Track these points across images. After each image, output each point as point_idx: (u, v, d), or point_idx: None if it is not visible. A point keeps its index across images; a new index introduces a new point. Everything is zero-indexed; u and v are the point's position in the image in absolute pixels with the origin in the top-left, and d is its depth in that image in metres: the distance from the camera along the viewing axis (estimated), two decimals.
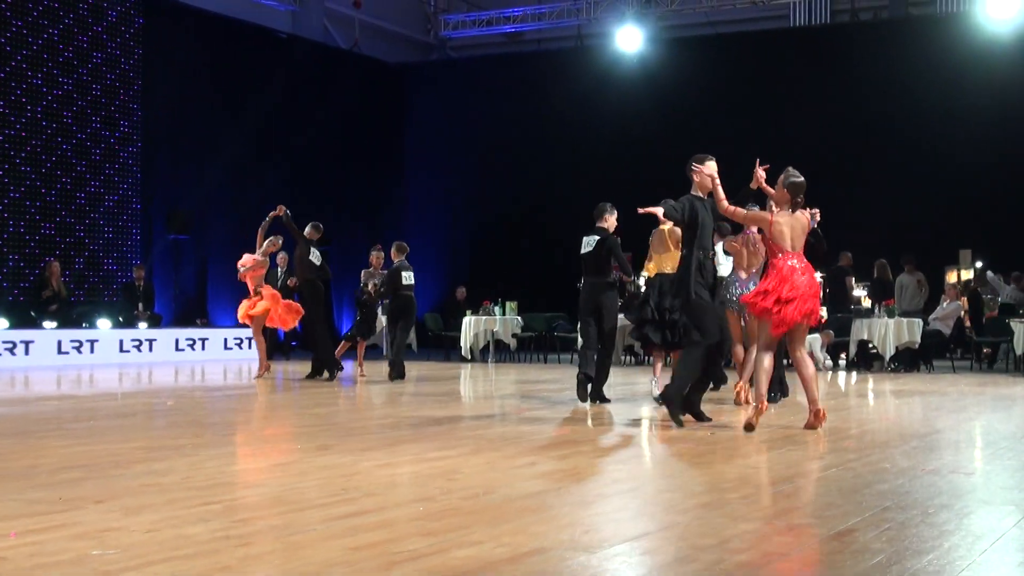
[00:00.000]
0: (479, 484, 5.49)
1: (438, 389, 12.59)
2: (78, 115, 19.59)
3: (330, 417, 9.36)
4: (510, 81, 24.87)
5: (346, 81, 24.46)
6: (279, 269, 19.31)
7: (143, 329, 18.85)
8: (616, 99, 23.03)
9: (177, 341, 19.20)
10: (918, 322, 16.01)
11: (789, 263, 7.91)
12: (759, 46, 22.82)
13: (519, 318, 19.38)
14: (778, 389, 10.36)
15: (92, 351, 17.89)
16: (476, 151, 25.22)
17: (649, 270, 10.69)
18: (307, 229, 14.12)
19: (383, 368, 14.25)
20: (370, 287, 14.21)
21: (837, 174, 20.13)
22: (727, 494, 5.24)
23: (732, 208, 8.29)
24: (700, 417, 8.57)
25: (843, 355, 17.18)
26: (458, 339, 19.26)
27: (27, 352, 17.14)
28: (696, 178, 8.69)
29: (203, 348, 19.47)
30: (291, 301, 14.60)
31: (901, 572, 3.74)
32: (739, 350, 10.40)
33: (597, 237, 10.45)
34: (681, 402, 8.42)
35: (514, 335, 19.15)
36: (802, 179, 8.15)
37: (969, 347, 17.64)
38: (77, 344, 17.79)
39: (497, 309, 19.16)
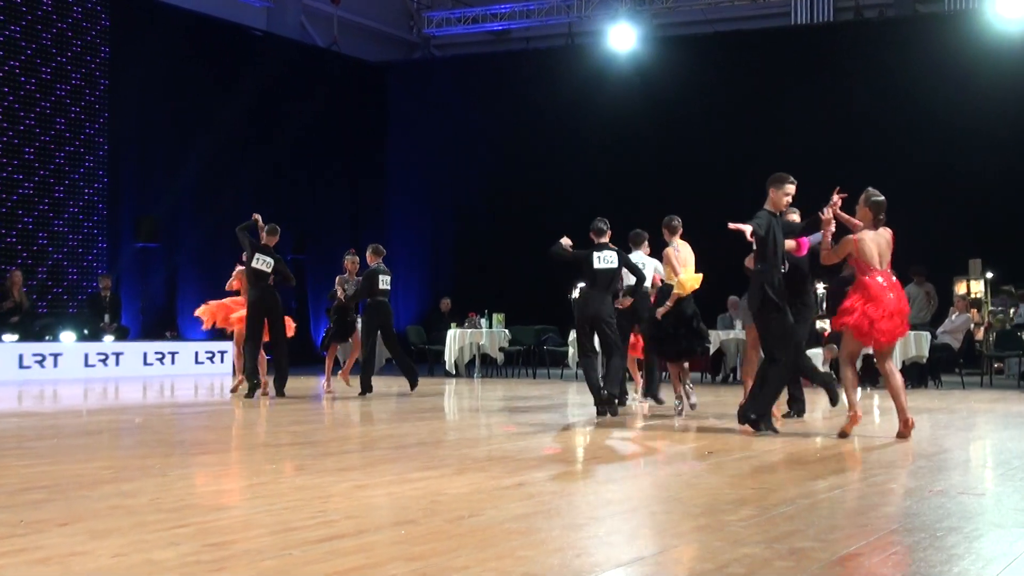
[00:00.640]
0: (464, 506, 5.48)
1: (421, 405, 12.57)
2: (41, 117, 19.55)
3: (307, 435, 9.33)
4: (497, 81, 24.91)
5: (325, 81, 24.47)
6: None
7: (109, 342, 18.80)
8: (609, 101, 23.07)
9: (145, 355, 19.14)
10: (926, 335, 16.04)
11: (878, 280, 8.63)
12: (759, 45, 22.91)
13: (507, 331, 19.37)
14: (795, 407, 10.55)
15: (55, 365, 17.82)
16: (461, 155, 25.24)
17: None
18: (263, 233, 13.82)
19: (388, 384, 14.19)
20: (339, 293, 14.19)
21: (839, 180, 20.11)
22: (726, 516, 5.24)
23: (833, 257, 8.98)
24: (765, 426, 9.10)
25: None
26: (442, 353, 19.25)
27: None
28: (772, 194, 9.17)
29: (173, 362, 19.42)
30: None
31: None
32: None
33: (615, 253, 11.03)
34: (769, 417, 9.03)
35: (501, 349, 19.14)
36: (883, 197, 8.87)
37: (979, 362, 17.69)
38: (40, 358, 17.72)
39: (483, 321, 19.16)
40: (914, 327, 16.52)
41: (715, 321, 17.62)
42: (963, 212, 19.99)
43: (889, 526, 5.02)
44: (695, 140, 22.38)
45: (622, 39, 22.91)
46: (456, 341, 18.99)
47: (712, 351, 17.17)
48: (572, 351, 17.74)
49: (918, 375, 16.27)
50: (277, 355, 13.61)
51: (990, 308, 18.77)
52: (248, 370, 13.43)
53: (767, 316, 8.87)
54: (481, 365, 19.71)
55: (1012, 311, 18.33)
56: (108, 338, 18.90)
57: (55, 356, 17.89)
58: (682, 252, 11.18)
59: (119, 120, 20.75)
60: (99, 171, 20.47)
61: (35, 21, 19.48)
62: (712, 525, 5.04)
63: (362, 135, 25.58)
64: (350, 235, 25.31)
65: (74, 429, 9.99)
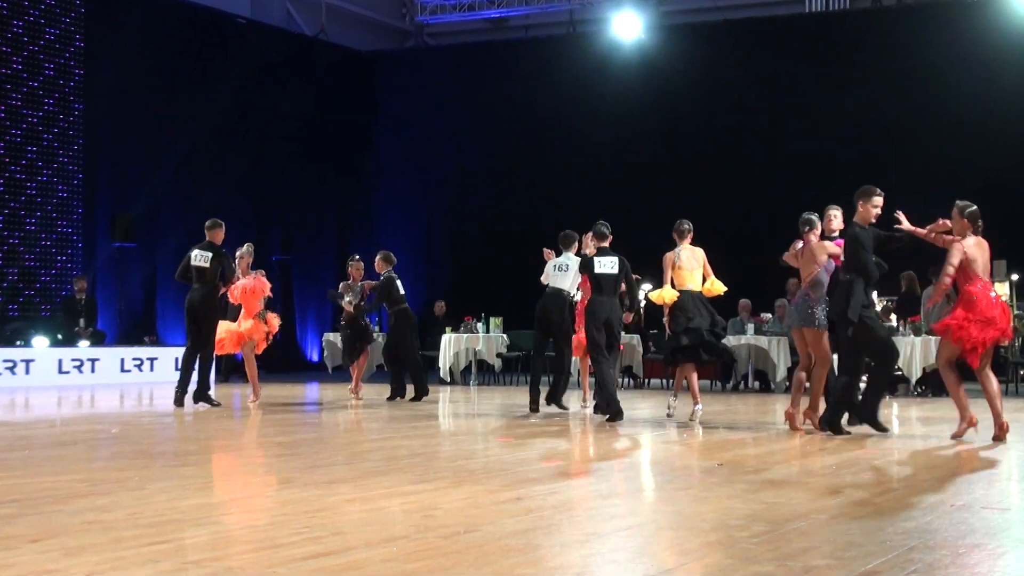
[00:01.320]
0: (459, 521, 5.48)
1: (414, 415, 12.56)
2: (11, 111, 19.56)
3: (294, 446, 9.33)
4: (494, 73, 24.92)
5: (311, 72, 24.48)
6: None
7: (85, 348, 18.79)
8: (612, 93, 23.08)
9: (123, 361, 19.14)
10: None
11: (980, 287, 9.31)
12: (771, 34, 22.92)
13: (504, 335, 19.35)
14: (855, 414, 10.66)
15: (27, 372, 17.82)
16: (456, 150, 25.24)
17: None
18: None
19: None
20: (345, 302, 14.23)
21: (855, 175, 20.07)
22: (737, 532, 5.24)
23: (949, 280, 9.51)
24: (878, 426, 9.82)
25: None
26: (436, 359, 19.23)
27: None
28: (861, 208, 9.75)
29: (152, 369, 19.41)
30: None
31: None
32: (802, 376, 10.67)
33: (615, 259, 11.49)
34: (837, 423, 9.80)
35: (499, 354, 19.13)
36: (976, 207, 9.59)
37: (1004, 368, 17.68)
38: (11, 364, 17.72)
39: (480, 325, 19.14)
40: (932, 332, 16.52)
41: (725, 326, 17.60)
42: (985, 209, 19.93)
43: (908, 542, 5.02)
44: (703, 135, 22.40)
45: (627, 28, 22.93)
46: (451, 346, 18.98)
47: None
48: (574, 357, 17.75)
49: (939, 383, 16.24)
50: (201, 359, 13.41)
51: (1016, 312, 18.76)
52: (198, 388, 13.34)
53: (858, 323, 9.56)
54: (477, 372, 19.70)
55: None
56: (83, 343, 18.90)
57: (27, 362, 17.89)
58: (683, 258, 11.46)
59: (95, 113, 20.76)
60: (73, 168, 20.47)
61: (4, 10, 19.48)
62: (722, 542, 5.04)
63: (351, 129, 25.59)
64: (337, 234, 25.34)
65: (47, 440, 9.99)
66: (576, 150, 23.44)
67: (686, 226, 11.56)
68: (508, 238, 23.70)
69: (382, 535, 5.20)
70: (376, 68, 26.54)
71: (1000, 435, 9.46)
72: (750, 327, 17.26)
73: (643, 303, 15.68)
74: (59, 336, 18.91)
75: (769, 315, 17.73)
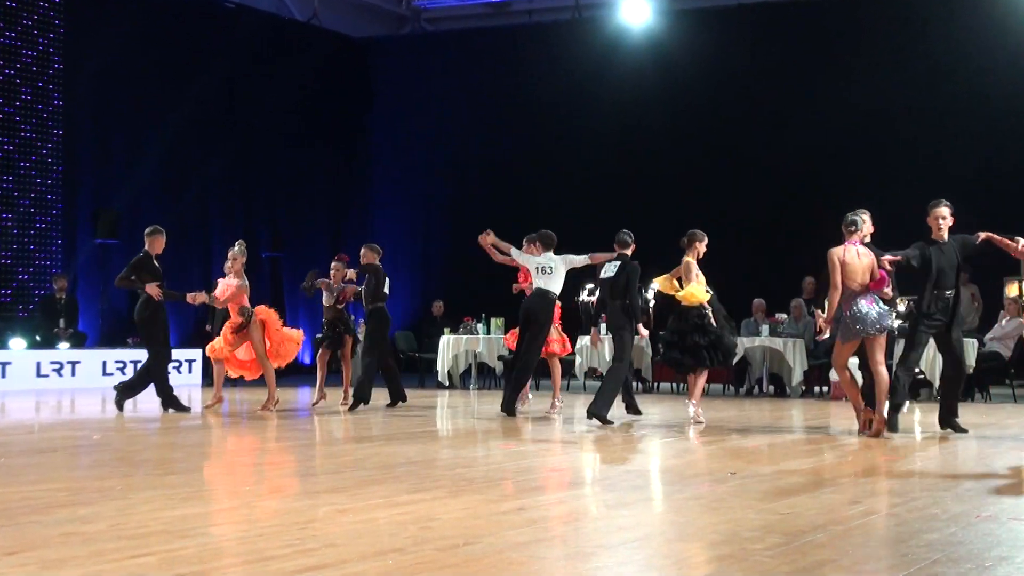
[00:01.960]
0: (458, 532, 5.48)
1: (410, 420, 12.56)
2: None
3: (284, 453, 9.33)
4: (495, 60, 24.89)
5: (303, 59, 24.45)
6: None
7: (65, 350, 18.80)
8: (619, 81, 23.04)
9: (105, 364, 19.13)
10: (972, 343, 15.99)
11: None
12: (789, 18, 22.75)
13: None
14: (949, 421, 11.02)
15: (4, 375, 17.83)
16: (455, 142, 25.22)
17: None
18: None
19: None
20: (325, 299, 14.13)
21: (877, 168, 20.17)
22: (750, 545, 5.24)
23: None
24: (956, 428, 10.66)
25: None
26: (434, 362, 19.21)
27: None
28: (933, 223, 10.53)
29: (135, 372, 19.38)
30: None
31: None
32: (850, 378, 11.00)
33: (617, 264, 12.16)
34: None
35: (500, 357, 19.09)
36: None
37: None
38: None
39: (480, 327, 19.12)
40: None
41: (739, 327, 17.58)
42: (1014, 204, 19.93)
43: (931, 555, 5.02)
44: (715, 125, 22.35)
45: (635, 12, 22.89)
46: (450, 349, 18.96)
47: (736, 360, 17.16)
48: (579, 360, 17.76)
49: (964, 386, 16.23)
50: (151, 365, 13.38)
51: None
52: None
53: (914, 337, 10.65)
54: (477, 375, 19.68)
55: None
56: (63, 345, 18.90)
57: (3, 365, 17.90)
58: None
59: (75, 104, 20.73)
60: (51, 159, 20.46)
61: None
62: (735, 555, 5.04)
63: (345, 120, 25.57)
64: (331, 230, 25.32)
65: (24, 447, 9.99)
66: (581, 141, 23.39)
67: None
68: (510, 235, 23.60)
69: (377, 547, 5.20)
70: (371, 55, 26.50)
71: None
72: (764, 328, 17.16)
73: (652, 303, 15.72)
74: (37, 337, 18.90)
75: (784, 315, 17.63)
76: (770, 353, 17.14)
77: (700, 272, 12.00)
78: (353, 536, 5.49)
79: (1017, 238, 10.19)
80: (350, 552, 5.06)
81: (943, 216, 10.43)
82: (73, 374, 18.64)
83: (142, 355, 19.44)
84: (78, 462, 8.95)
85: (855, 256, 10.35)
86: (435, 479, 7.49)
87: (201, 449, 10.11)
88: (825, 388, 16.86)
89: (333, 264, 14.38)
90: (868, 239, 10.73)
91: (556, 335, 13.55)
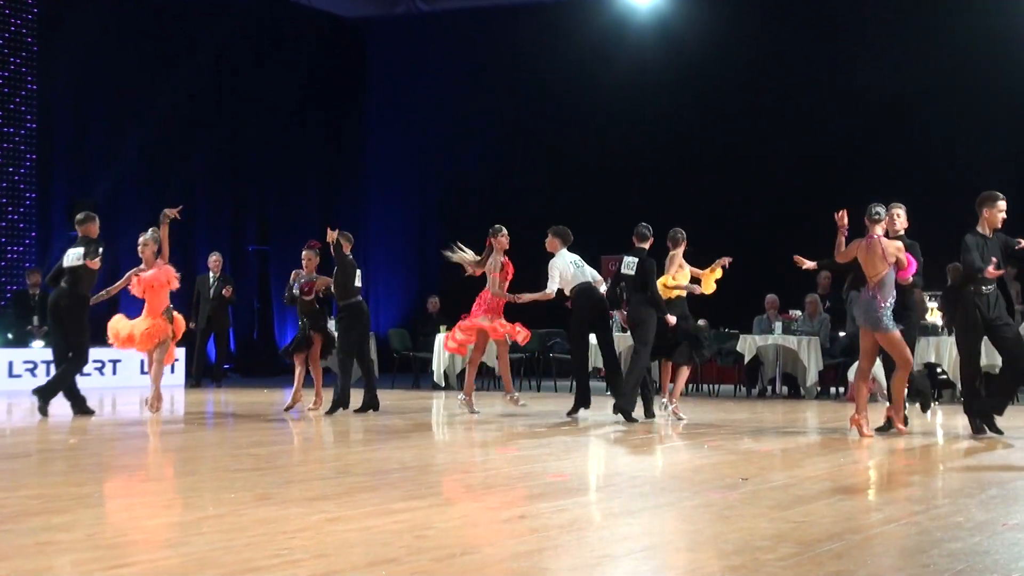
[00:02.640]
0: (455, 542, 5.49)
1: (404, 423, 12.57)
2: None
3: (271, 459, 9.34)
4: (495, 41, 24.86)
5: (294, 41, 24.45)
6: (211, 275, 19.36)
7: (39, 348, 18.79)
8: (625, 63, 23.02)
9: None
10: None
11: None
12: None
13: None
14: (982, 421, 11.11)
15: None
16: (453, 128, 25.20)
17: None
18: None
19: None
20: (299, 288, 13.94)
21: (906, 158, 20.08)
22: (762, 555, 5.25)
23: None
24: (992, 428, 10.85)
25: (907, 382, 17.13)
26: (430, 361, 19.21)
27: None
28: (987, 214, 10.72)
29: (114, 372, 19.40)
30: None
31: None
32: (865, 378, 11.07)
33: (634, 259, 12.54)
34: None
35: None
36: None
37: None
38: None
39: None
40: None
41: (750, 325, 17.57)
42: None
43: (955, 566, 5.02)
44: (725, 111, 22.30)
45: None
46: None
47: (748, 359, 17.15)
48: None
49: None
50: (69, 364, 13.29)
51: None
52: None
53: (966, 335, 10.85)
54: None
55: None
56: (37, 343, 18.88)
57: None
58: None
59: (50, 90, 20.70)
60: (24, 147, 20.44)
61: None
62: (746, 565, 5.04)
63: (337, 105, 25.54)
64: (321, 221, 25.26)
65: None
66: (583, 125, 23.34)
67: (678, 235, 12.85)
68: (509, 226, 23.58)
69: (370, 558, 5.21)
70: (365, 37, 26.48)
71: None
72: (778, 325, 17.09)
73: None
74: (9, 335, 18.90)
75: (798, 312, 17.59)
76: (783, 352, 17.10)
77: (685, 263, 12.84)
78: (345, 546, 5.50)
79: None
80: (341, 563, 5.07)
81: (1003, 210, 10.65)
82: (47, 374, 18.59)
83: (121, 354, 19.47)
84: (53, 467, 8.95)
85: (876, 246, 10.42)
86: (430, 485, 7.50)
87: (183, 454, 10.11)
88: (841, 389, 16.84)
89: (304, 253, 14.21)
90: (902, 232, 10.92)
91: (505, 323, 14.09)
